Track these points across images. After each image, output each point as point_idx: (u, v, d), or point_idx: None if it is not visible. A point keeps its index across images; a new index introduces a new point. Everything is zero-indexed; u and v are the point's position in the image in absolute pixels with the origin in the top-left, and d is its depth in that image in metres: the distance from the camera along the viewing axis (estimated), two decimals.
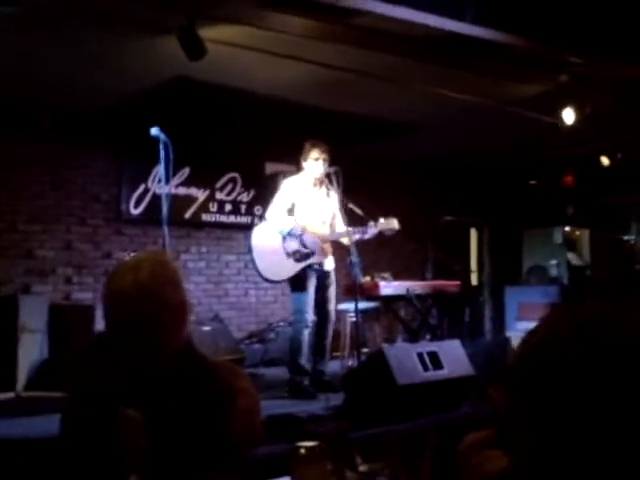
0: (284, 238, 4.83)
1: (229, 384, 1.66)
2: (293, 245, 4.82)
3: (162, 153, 3.89)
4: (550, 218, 8.83)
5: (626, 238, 8.52)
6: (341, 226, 4.89)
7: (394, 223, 4.76)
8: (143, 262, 1.69)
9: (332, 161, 4.88)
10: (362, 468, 1.90)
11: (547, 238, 8.87)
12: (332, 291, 4.95)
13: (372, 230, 4.76)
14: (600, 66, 4.84)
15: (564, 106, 5.39)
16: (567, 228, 8.83)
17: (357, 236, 4.79)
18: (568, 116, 5.44)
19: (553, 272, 8.73)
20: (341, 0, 3.64)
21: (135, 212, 6.64)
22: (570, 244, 8.90)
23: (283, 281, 4.98)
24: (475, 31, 4.13)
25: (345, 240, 4.79)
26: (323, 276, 4.87)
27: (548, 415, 0.74)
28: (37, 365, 5.26)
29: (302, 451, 1.75)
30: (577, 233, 8.97)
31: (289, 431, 3.42)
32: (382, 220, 4.76)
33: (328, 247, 4.87)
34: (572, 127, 5.54)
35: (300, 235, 4.79)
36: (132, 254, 5.51)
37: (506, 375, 0.80)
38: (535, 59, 4.67)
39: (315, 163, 4.84)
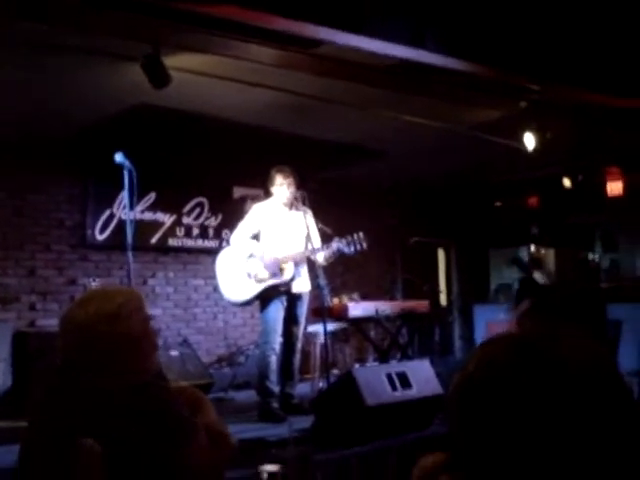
0: (246, 260, 4.88)
1: (191, 417, 1.66)
2: (254, 267, 4.86)
3: (126, 179, 3.91)
4: (516, 238, 8.98)
5: (590, 257, 8.70)
6: (317, 244, 4.93)
7: (361, 235, 4.79)
8: (94, 294, 1.75)
9: (299, 184, 4.95)
10: None
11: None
12: (301, 313, 4.96)
13: (337, 244, 4.77)
14: (557, 92, 4.97)
15: (525, 131, 5.50)
16: (532, 247, 9.00)
17: (326, 252, 4.81)
18: (529, 140, 5.54)
19: None
20: (305, 31, 3.71)
21: (100, 238, 6.58)
22: (536, 263, 9.05)
23: (246, 302, 4.98)
24: (436, 59, 4.21)
25: (319, 258, 4.83)
26: (291, 298, 4.90)
27: (488, 435, 0.77)
28: (0, 394, 5.16)
29: (264, 476, 1.77)
30: (542, 252, 9.13)
31: (257, 455, 3.42)
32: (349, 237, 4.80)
33: (290, 268, 4.85)
34: (534, 151, 5.64)
35: (261, 257, 4.84)
36: (97, 280, 5.47)
37: (446, 401, 0.84)
38: (494, 86, 4.78)
39: (280, 188, 4.92)
